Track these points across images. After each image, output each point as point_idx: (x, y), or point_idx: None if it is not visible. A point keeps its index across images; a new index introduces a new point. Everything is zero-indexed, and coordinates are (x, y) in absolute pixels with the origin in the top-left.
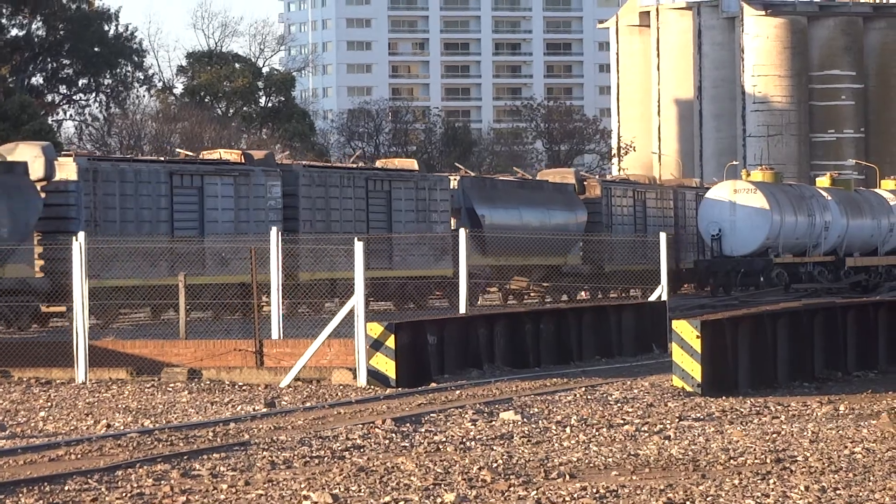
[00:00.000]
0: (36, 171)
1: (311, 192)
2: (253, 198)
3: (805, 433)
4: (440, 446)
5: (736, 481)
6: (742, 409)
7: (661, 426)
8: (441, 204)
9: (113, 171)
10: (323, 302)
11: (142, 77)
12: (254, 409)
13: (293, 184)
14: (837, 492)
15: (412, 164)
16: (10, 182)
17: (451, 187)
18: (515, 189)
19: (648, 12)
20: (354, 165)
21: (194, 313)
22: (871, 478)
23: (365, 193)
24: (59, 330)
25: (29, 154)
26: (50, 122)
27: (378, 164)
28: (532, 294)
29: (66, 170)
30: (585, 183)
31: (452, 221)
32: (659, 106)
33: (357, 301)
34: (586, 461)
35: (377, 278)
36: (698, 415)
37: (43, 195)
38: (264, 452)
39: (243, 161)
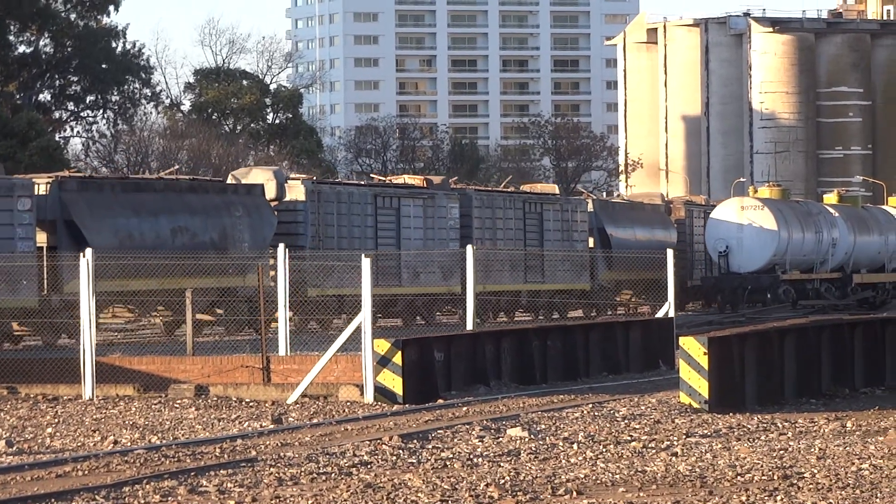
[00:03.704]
0: (269, 192)
1: (482, 214)
2: (437, 218)
3: (812, 450)
4: (447, 463)
5: (743, 498)
6: (749, 426)
7: (669, 443)
8: (581, 224)
9: (332, 193)
10: (490, 314)
11: (149, 94)
12: (261, 426)
13: (468, 205)
14: None
15: (553, 188)
16: (250, 202)
17: (589, 209)
18: (627, 210)
19: (656, 29)
20: (512, 189)
21: (387, 320)
22: (879, 494)
23: (523, 215)
24: (66, 347)
25: (262, 177)
26: (57, 138)
27: (523, 188)
28: (631, 305)
29: (295, 191)
30: (672, 205)
31: (590, 240)
32: (666, 122)
33: (364, 317)
34: (594, 478)
35: (533, 291)
36: (705, 431)
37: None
38: (271, 469)
39: (426, 186)
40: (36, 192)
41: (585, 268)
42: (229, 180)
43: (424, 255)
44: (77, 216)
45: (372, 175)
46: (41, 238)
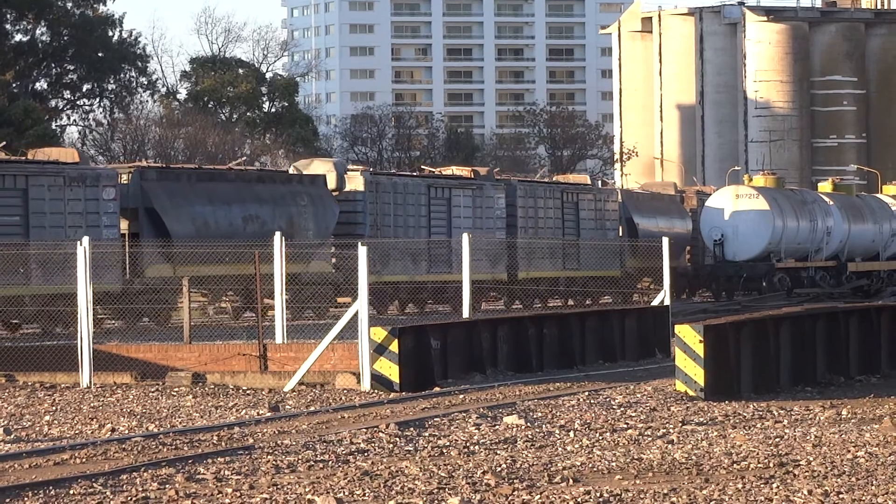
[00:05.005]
0: (330, 182)
1: (525, 203)
2: (485, 207)
3: (808, 437)
4: (444, 450)
5: (739, 485)
6: (745, 414)
7: (665, 430)
8: (611, 214)
9: (388, 184)
10: (534, 300)
11: (145, 82)
12: (258, 414)
13: (512, 195)
14: (840, 496)
15: (586, 178)
16: (314, 192)
17: (619, 200)
18: (650, 200)
19: (650, 18)
20: (549, 180)
21: (438, 306)
22: (874, 482)
23: (561, 204)
24: (64, 334)
25: (323, 168)
26: (54, 127)
27: (556, 178)
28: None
29: (355, 182)
30: (684, 195)
31: (620, 229)
32: (661, 111)
33: (361, 305)
34: (590, 465)
35: (571, 278)
36: (701, 419)
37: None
38: (268, 456)
39: (473, 177)
40: (119, 182)
41: (616, 256)
42: (291, 171)
43: (472, 242)
44: (157, 204)
45: (423, 167)
46: (123, 225)
